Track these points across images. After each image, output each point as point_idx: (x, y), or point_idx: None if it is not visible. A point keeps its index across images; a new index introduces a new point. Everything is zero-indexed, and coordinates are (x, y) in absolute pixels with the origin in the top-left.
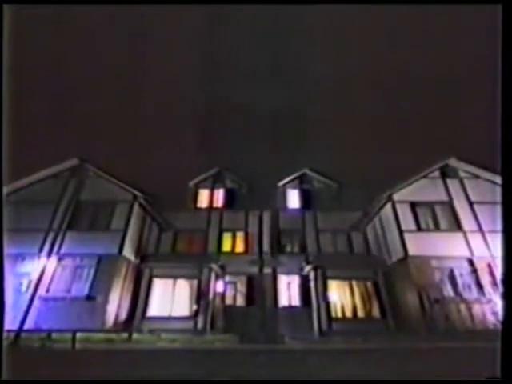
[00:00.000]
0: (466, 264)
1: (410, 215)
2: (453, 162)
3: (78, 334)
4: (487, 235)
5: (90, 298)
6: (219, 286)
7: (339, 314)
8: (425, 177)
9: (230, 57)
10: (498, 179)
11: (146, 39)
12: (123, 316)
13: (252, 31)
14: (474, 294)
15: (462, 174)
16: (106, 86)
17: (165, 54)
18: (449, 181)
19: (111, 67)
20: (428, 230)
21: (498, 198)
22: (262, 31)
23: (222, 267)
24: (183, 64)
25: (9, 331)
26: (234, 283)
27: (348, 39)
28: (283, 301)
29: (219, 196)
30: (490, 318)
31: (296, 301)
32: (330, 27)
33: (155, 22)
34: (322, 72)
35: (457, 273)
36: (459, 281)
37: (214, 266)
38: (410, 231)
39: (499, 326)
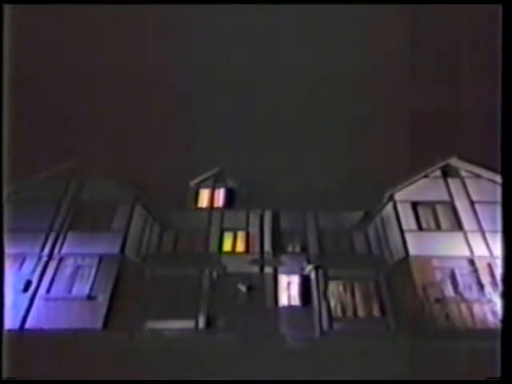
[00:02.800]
0: (466, 264)
1: (411, 215)
2: (454, 161)
3: (79, 334)
4: (488, 235)
5: (91, 297)
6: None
7: (340, 314)
8: (426, 176)
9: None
10: (500, 179)
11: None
12: (124, 316)
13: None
14: (474, 293)
15: (463, 174)
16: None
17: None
18: (450, 180)
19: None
20: (429, 229)
21: (499, 197)
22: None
23: (223, 267)
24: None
25: (9, 331)
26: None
27: None
28: (284, 300)
29: (220, 196)
30: (491, 318)
31: (296, 300)
32: None
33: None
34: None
35: (457, 272)
36: (460, 280)
37: (214, 265)
38: (412, 231)
39: (499, 326)
